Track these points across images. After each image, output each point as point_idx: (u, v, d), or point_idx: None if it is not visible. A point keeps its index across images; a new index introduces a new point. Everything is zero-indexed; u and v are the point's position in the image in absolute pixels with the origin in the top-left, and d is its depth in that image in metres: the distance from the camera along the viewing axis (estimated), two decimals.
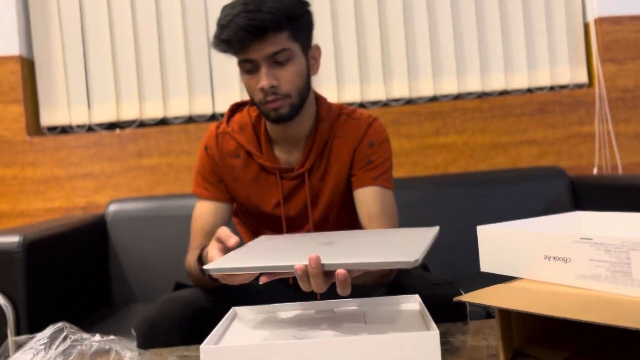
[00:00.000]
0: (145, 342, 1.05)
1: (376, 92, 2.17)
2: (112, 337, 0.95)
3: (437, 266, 1.87)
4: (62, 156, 2.08)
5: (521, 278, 0.82)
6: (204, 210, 1.26)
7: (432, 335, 0.74)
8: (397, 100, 2.19)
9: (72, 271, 1.63)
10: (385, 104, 2.18)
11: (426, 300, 1.00)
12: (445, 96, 2.19)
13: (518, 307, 0.68)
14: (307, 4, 1.19)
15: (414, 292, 1.03)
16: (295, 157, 1.25)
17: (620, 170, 2.12)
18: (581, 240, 0.74)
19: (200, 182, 1.28)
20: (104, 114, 2.13)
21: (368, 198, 1.20)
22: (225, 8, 1.13)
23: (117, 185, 2.08)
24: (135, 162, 2.08)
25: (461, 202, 1.94)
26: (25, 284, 1.33)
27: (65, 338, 0.93)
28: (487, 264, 0.88)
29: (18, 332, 1.31)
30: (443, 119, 2.11)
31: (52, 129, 2.17)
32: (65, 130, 2.17)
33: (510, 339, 0.79)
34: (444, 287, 1.08)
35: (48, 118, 2.14)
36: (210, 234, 1.21)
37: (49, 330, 0.96)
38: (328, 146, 1.23)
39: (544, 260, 0.79)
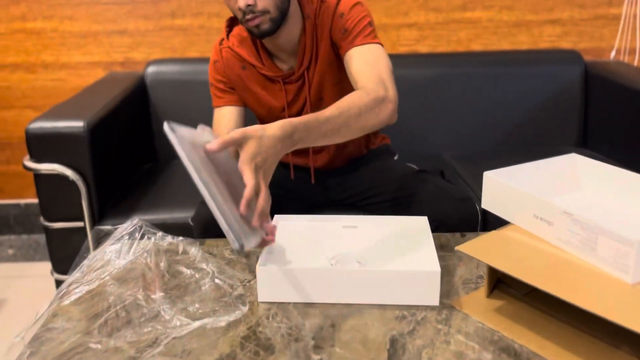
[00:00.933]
0: (202, 234, 1.29)
1: None
2: (180, 238, 1.18)
3: (453, 141, 2.05)
4: (97, 12, 2.14)
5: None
6: (220, 117, 1.40)
7: (434, 274, 0.96)
8: None
9: (123, 137, 1.83)
10: None
11: (447, 214, 1.21)
12: None
13: (504, 268, 0.89)
14: None
15: (438, 204, 1.24)
16: (293, 60, 1.35)
17: (637, 53, 2.18)
18: (564, 212, 0.92)
19: (214, 92, 1.41)
20: None
21: (351, 60, 1.26)
22: None
23: (152, 44, 2.17)
24: (169, 22, 2.15)
25: (477, 82, 2.05)
26: (90, 159, 1.54)
27: (142, 235, 1.16)
28: (488, 205, 1.07)
29: (90, 202, 1.55)
30: None
31: None
32: None
33: (495, 272, 1.01)
34: (464, 203, 1.27)
35: None
36: None
37: (128, 225, 1.19)
38: (315, 37, 1.33)
39: (533, 218, 0.98)
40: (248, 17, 1.22)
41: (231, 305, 0.98)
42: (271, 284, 0.98)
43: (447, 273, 1.07)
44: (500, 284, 1.02)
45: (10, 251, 2.32)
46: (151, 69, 2.05)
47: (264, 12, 1.21)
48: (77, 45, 2.18)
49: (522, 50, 2.15)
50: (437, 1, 2.13)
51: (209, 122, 1.41)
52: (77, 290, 1.05)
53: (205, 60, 2.07)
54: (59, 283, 1.65)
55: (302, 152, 1.45)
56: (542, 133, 2.05)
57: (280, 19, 1.25)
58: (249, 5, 1.19)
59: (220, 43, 1.39)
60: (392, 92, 1.17)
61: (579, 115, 2.05)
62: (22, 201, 2.37)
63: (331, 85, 1.36)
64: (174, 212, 1.60)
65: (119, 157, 1.79)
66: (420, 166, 1.51)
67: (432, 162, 1.93)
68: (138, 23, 2.15)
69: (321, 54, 1.32)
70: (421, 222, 1.16)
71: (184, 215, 1.56)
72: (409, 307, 0.96)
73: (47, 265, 2.18)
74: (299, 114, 1.38)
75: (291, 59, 1.35)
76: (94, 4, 2.14)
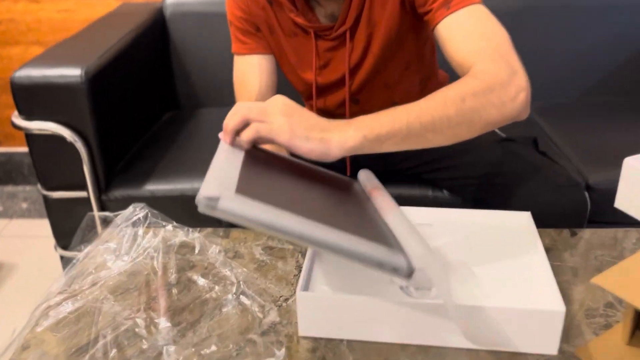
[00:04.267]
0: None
1: None
2: (197, 233, 0.90)
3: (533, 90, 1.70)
4: None
5: None
6: (245, 71, 1.08)
7: (555, 315, 0.66)
8: None
9: (135, 84, 1.53)
10: None
11: (547, 204, 0.91)
12: None
13: None
14: None
15: (534, 192, 0.94)
16: (336, 11, 1.00)
17: None
18: None
19: (234, 34, 1.07)
20: None
21: (446, 33, 0.90)
22: None
23: None
24: None
25: (562, 22, 1.67)
26: (91, 116, 1.25)
27: (148, 226, 0.89)
28: (624, 202, 0.75)
29: (93, 167, 1.28)
30: None
31: None
32: None
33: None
34: (571, 191, 0.95)
35: None
36: (259, 98, 1.05)
37: (130, 213, 0.91)
38: None
39: None
40: None
41: (260, 345, 0.70)
42: (317, 315, 0.70)
43: (566, 283, 0.77)
44: None
45: (24, 205, 2.10)
46: (170, 1, 1.72)
47: None
48: None
49: None
50: None
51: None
52: (61, 307, 0.79)
53: None
54: (64, 260, 1.41)
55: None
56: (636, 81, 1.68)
57: None
58: None
59: None
60: (521, 73, 0.80)
61: None
62: None
63: (390, 60, 1.02)
64: (195, 181, 1.32)
65: (131, 109, 1.49)
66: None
67: None
68: None
69: (383, 22, 0.98)
70: (522, 221, 0.85)
71: None
72: (512, 356, 0.67)
73: None
74: (333, 84, 1.06)
75: (334, 6, 1.00)
76: None
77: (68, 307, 0.79)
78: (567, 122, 1.53)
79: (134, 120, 1.51)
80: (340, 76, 1.05)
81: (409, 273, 0.63)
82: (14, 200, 2.13)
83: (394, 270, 0.63)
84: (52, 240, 1.40)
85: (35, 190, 2.16)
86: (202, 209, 0.59)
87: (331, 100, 1.09)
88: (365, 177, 0.84)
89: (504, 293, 0.73)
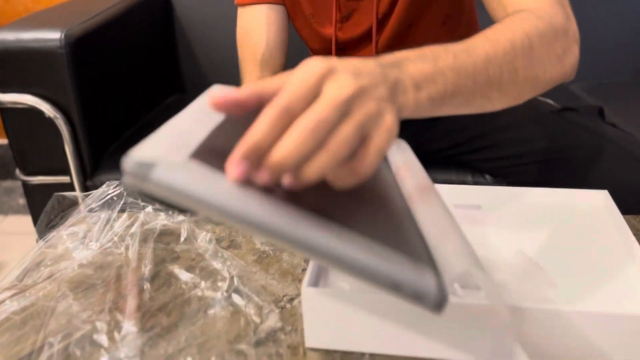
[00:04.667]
0: None
1: None
2: (181, 217, 0.73)
3: (583, 68, 1.51)
4: None
5: None
6: (252, 21, 0.90)
7: None
8: None
9: (132, 58, 1.36)
10: None
11: (623, 184, 0.72)
12: None
13: None
14: None
15: (607, 168, 0.76)
16: None
17: None
18: None
19: None
20: None
21: None
22: None
23: None
24: None
25: None
26: (74, 88, 1.08)
27: (123, 209, 0.72)
28: None
29: (77, 149, 1.11)
30: None
31: None
32: None
33: None
34: None
35: None
36: (266, 57, 0.88)
37: (103, 192, 0.75)
38: None
39: None
40: None
41: (253, 358, 0.52)
42: (330, 320, 0.52)
43: None
44: None
45: (21, 201, 1.96)
46: None
47: None
48: None
49: None
50: None
51: None
52: (4, 307, 0.63)
53: None
54: None
55: None
56: None
57: None
58: None
59: None
60: (574, 21, 0.63)
61: None
62: None
63: (424, 11, 0.85)
64: None
65: (125, 86, 1.32)
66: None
67: (557, 96, 1.39)
68: None
69: None
70: (598, 202, 0.66)
71: None
72: None
73: None
74: (356, 40, 0.89)
75: None
76: None
77: (13, 306, 0.62)
78: (622, 102, 1.34)
79: (129, 100, 1.34)
80: (365, 30, 0.87)
81: (439, 302, 0.39)
82: (11, 195, 1.99)
83: (416, 296, 0.39)
84: None
85: None
86: (128, 180, 0.36)
87: None
88: (394, 148, 0.65)
89: (582, 293, 0.54)
